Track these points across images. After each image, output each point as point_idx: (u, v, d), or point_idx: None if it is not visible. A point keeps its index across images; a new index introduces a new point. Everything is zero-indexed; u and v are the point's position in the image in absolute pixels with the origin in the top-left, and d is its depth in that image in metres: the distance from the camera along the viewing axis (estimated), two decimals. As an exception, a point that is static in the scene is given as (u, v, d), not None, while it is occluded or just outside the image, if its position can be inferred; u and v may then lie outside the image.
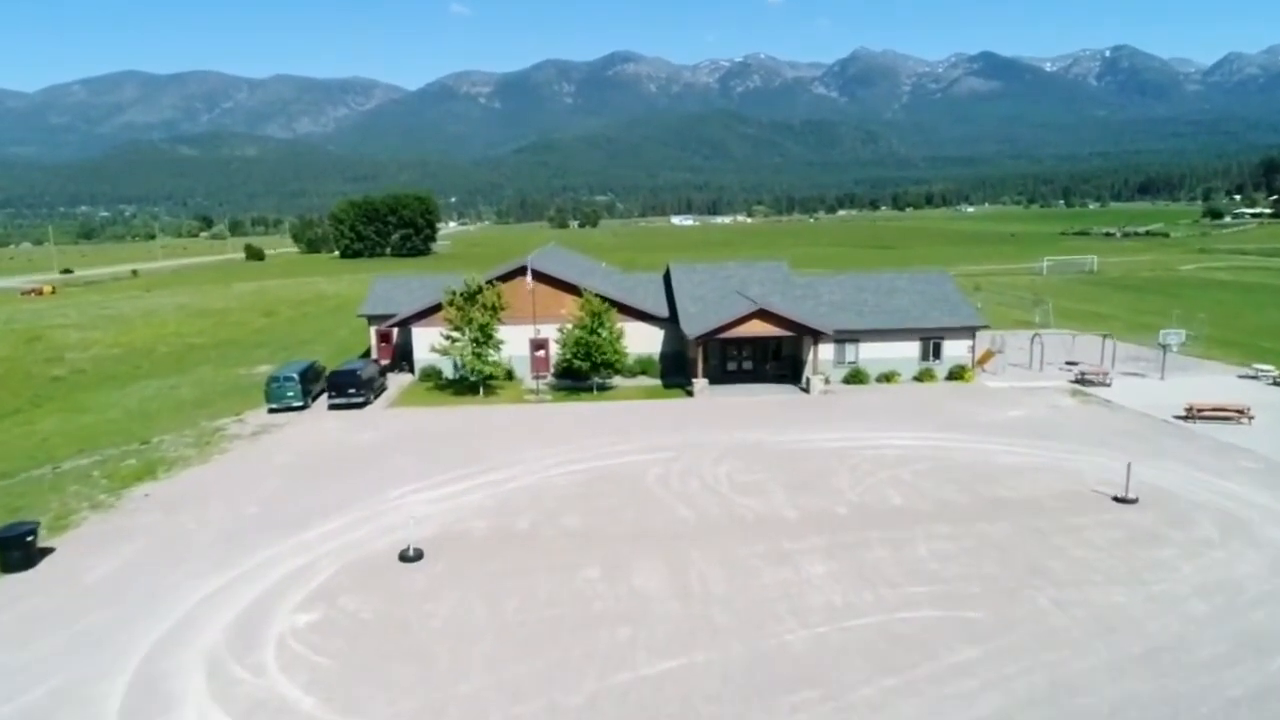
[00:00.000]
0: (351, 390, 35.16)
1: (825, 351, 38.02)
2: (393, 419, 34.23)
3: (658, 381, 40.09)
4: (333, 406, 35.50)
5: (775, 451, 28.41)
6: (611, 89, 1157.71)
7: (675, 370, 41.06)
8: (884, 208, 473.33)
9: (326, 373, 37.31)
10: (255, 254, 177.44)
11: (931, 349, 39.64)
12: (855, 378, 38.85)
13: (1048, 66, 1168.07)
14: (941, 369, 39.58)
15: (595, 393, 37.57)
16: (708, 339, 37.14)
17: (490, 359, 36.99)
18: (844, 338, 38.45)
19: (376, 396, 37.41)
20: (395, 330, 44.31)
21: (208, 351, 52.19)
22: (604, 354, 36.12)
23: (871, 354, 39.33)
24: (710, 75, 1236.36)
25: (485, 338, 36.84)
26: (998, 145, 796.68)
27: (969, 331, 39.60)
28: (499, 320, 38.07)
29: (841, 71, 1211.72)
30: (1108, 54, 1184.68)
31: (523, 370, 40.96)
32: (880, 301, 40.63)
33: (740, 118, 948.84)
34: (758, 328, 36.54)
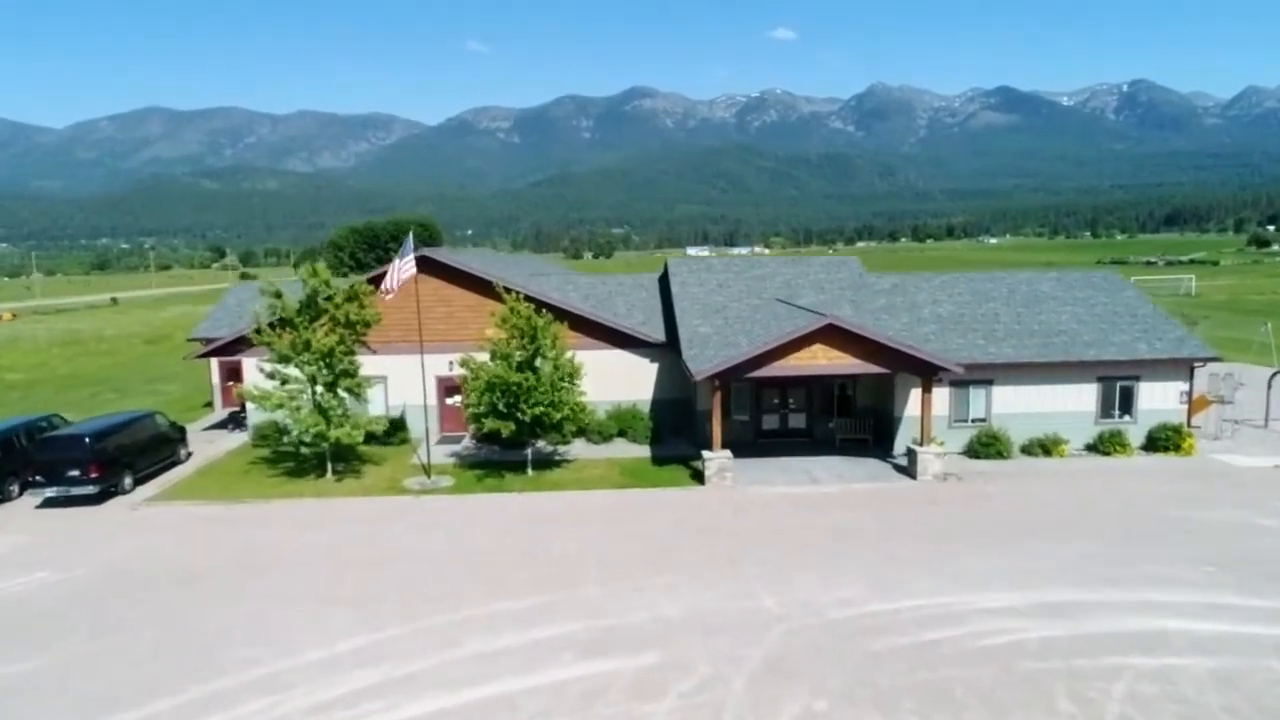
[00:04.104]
0: (74, 473, 19.12)
1: (937, 400, 21.57)
2: (130, 532, 18.09)
3: (645, 451, 23.74)
4: (47, 502, 19.49)
5: (893, 654, 11.91)
6: (629, 123, 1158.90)
7: (677, 428, 24.80)
8: (904, 239, 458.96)
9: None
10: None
11: (1118, 397, 23.08)
12: (987, 447, 22.30)
13: (1065, 100, 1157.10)
14: (1136, 431, 22.96)
15: (529, 474, 21.26)
16: (730, 379, 20.97)
17: (345, 415, 20.87)
18: (964, 376, 22.03)
19: (147, 475, 21.36)
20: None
21: (8, 394, 36.53)
22: (539, 404, 19.81)
23: (1013, 404, 22.83)
24: (727, 110, 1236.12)
25: (335, 376, 20.78)
26: (1016, 178, 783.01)
27: (1183, 366, 23.01)
28: (366, 344, 22.12)
29: (858, 106, 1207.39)
30: (1125, 88, 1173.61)
31: (431, 424, 24.82)
32: (1021, 317, 24.21)
33: (757, 151, 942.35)
34: (820, 359, 20.25)
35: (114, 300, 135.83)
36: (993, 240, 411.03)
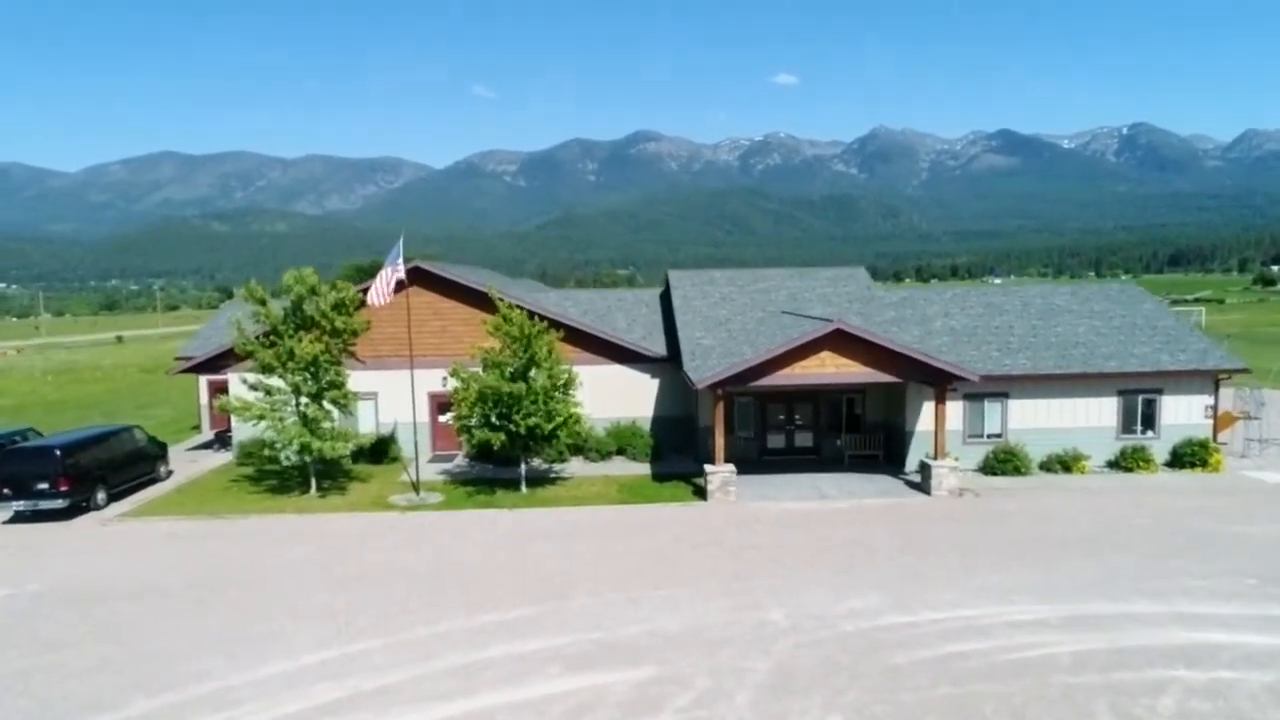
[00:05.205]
0: (42, 486, 18.24)
1: (950, 415, 20.59)
2: (97, 546, 17.15)
3: (645, 468, 22.75)
4: (15, 516, 18.59)
5: (914, 668, 10.77)
6: (634, 166, 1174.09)
7: (679, 446, 23.85)
8: (908, 280, 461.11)
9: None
10: None
11: (1140, 411, 22.08)
12: (1004, 463, 21.27)
13: (1065, 143, 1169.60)
14: (1159, 447, 21.90)
15: (524, 491, 20.28)
16: (733, 390, 20.09)
17: (331, 428, 20.00)
18: (979, 389, 21.12)
19: (123, 491, 20.44)
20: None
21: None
22: (532, 417, 18.94)
23: (1031, 419, 21.85)
24: (730, 153, 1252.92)
25: (320, 388, 19.98)
26: (1019, 220, 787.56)
27: (1207, 379, 22.06)
28: (355, 355, 21.36)
29: (860, 149, 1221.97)
30: (1125, 131, 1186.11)
31: (423, 443, 23.87)
32: (1037, 329, 23.37)
33: (761, 194, 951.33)
34: (828, 367, 19.37)
35: (119, 339, 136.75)
36: (997, 280, 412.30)
